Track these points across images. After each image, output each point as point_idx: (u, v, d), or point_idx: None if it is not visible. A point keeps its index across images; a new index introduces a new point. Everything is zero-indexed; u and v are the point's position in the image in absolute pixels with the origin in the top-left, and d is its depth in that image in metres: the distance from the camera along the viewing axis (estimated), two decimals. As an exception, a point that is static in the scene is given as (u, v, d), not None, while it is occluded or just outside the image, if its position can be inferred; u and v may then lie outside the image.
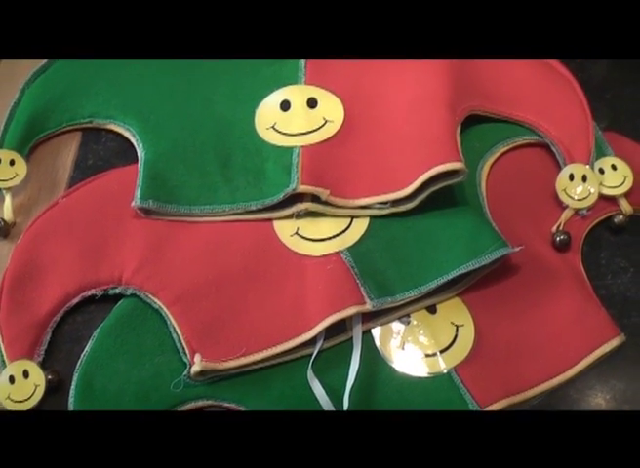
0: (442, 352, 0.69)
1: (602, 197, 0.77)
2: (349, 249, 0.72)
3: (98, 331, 0.70)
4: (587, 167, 0.77)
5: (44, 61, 0.85)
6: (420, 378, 0.68)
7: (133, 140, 0.80)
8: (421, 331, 0.70)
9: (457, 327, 0.70)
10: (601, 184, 0.77)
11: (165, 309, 0.70)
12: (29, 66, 0.84)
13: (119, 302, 0.72)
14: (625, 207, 0.77)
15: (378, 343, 0.70)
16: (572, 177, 0.77)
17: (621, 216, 0.76)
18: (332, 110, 0.79)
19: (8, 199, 0.78)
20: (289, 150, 0.76)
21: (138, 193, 0.73)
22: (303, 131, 0.78)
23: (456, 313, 0.71)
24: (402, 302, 0.69)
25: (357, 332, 0.69)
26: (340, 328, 0.69)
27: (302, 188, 0.72)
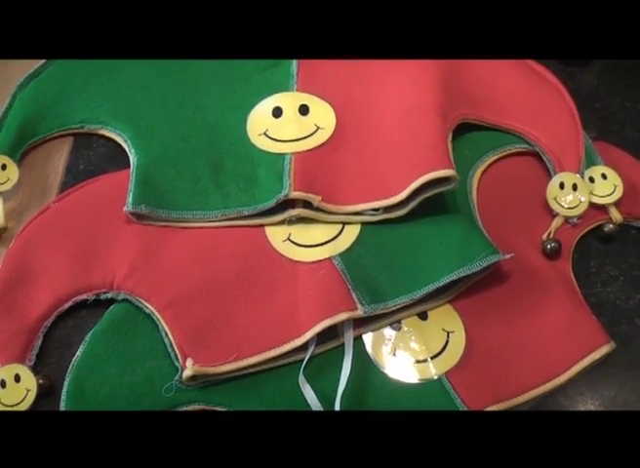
0: (433, 358, 0.69)
1: (592, 206, 0.77)
2: (341, 255, 0.72)
3: (89, 335, 0.70)
4: (578, 175, 0.78)
5: (36, 66, 0.85)
6: (411, 384, 0.68)
7: (124, 146, 0.80)
8: (413, 338, 0.70)
9: (448, 333, 0.70)
10: (591, 193, 0.77)
11: (157, 314, 0.70)
12: (22, 69, 0.85)
13: (111, 307, 0.72)
14: (615, 215, 0.77)
15: (369, 349, 0.70)
16: (562, 186, 0.77)
17: (611, 225, 0.77)
18: (323, 117, 0.80)
19: (0, 203, 0.78)
20: (281, 157, 0.77)
21: (130, 198, 0.73)
22: (295, 137, 0.78)
23: (447, 319, 0.71)
24: (393, 308, 0.69)
25: (349, 338, 0.69)
26: (331, 333, 0.69)
27: (295, 194, 0.72)
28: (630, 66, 0.91)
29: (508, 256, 0.69)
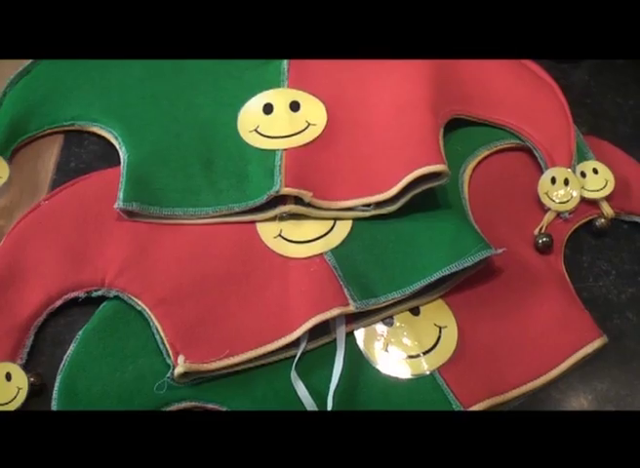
0: (425, 353, 0.69)
1: (584, 200, 0.78)
2: (333, 251, 0.72)
3: (80, 333, 0.70)
4: (569, 170, 0.78)
5: (27, 63, 0.84)
6: (403, 380, 0.68)
7: (115, 143, 0.80)
8: (405, 333, 0.70)
9: (440, 328, 0.70)
10: (583, 188, 0.77)
11: (148, 311, 0.69)
12: (12, 67, 0.84)
13: (102, 305, 0.71)
14: (607, 210, 0.77)
15: (361, 345, 0.70)
16: (554, 181, 0.77)
17: (603, 220, 0.77)
18: (314, 113, 0.80)
19: (-10, 201, 0.77)
20: (272, 153, 0.77)
21: (120, 195, 0.73)
22: (286, 134, 0.78)
23: (439, 315, 0.71)
24: (385, 304, 0.69)
25: (341, 334, 0.69)
26: (323, 329, 0.69)
27: (286, 190, 0.72)
28: (622, 63, 0.92)
29: (500, 251, 0.69)
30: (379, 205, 0.73)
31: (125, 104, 0.82)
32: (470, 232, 0.72)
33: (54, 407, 0.66)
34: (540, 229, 0.76)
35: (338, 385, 0.66)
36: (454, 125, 0.80)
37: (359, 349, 0.70)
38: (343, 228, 0.74)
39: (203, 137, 0.79)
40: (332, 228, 0.74)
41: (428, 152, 0.72)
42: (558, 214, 0.77)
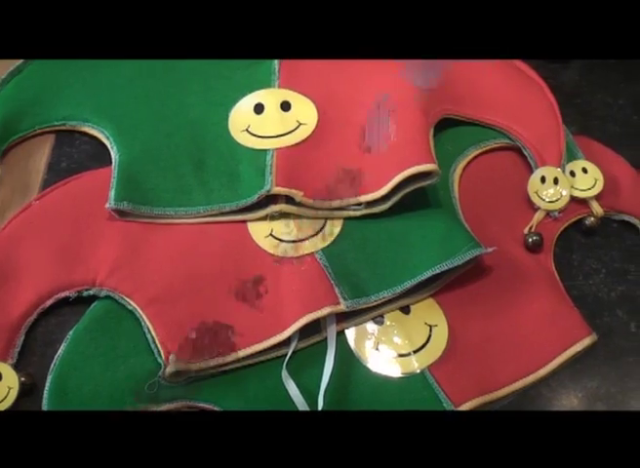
0: (416, 352, 0.69)
1: (573, 199, 0.78)
2: (323, 250, 0.72)
3: (71, 333, 0.70)
4: (559, 170, 0.78)
5: (18, 63, 0.84)
6: (394, 378, 0.68)
7: (107, 143, 0.80)
8: (395, 332, 0.70)
9: (430, 327, 0.70)
10: (572, 187, 0.78)
11: (139, 310, 0.69)
12: (3, 67, 0.84)
13: (93, 304, 0.71)
14: (596, 209, 0.77)
15: (352, 344, 0.70)
16: (543, 180, 0.78)
17: (592, 219, 0.78)
18: (305, 113, 0.80)
19: (-19, 202, 0.77)
20: (263, 152, 0.77)
21: (112, 194, 0.73)
22: (277, 133, 0.78)
23: (429, 313, 0.71)
24: (376, 303, 0.69)
25: (331, 333, 0.69)
26: (314, 328, 0.69)
27: (277, 190, 0.72)
28: (611, 63, 0.92)
29: (490, 250, 0.70)
30: (369, 204, 0.74)
31: (116, 104, 0.82)
32: (461, 231, 0.72)
33: (44, 406, 0.66)
34: (530, 228, 0.76)
35: (328, 384, 0.66)
36: (444, 124, 0.80)
37: (350, 348, 0.70)
38: (334, 227, 0.74)
39: (194, 137, 0.80)
40: (323, 227, 0.74)
41: (419, 152, 0.72)
42: (548, 213, 0.77)
